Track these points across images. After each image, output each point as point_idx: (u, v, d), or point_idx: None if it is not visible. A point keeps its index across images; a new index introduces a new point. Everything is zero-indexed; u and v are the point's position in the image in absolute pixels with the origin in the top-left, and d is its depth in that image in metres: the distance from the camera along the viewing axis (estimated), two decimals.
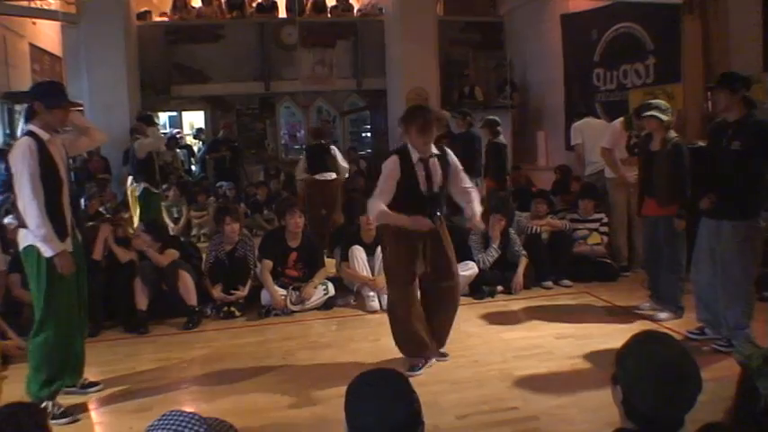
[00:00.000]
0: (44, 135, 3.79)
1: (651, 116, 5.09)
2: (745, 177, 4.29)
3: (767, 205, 4.52)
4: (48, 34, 12.59)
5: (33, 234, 3.70)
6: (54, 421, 3.60)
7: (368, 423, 1.58)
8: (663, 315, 5.24)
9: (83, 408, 3.96)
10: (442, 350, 4.49)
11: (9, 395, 3.08)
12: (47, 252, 3.71)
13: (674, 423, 1.64)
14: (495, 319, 5.51)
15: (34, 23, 12.00)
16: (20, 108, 10.82)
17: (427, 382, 3.97)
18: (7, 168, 3.86)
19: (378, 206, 4.12)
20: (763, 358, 1.70)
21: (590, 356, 4.45)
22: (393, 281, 4.35)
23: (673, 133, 5.07)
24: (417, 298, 4.37)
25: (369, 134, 14.08)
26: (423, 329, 4.31)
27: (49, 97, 3.90)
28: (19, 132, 10.93)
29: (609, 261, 6.72)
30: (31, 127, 3.82)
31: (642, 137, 5.57)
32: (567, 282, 6.43)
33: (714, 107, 4.78)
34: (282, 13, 12.73)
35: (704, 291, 4.66)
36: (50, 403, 3.76)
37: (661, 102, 5.25)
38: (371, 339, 5.06)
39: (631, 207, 6.34)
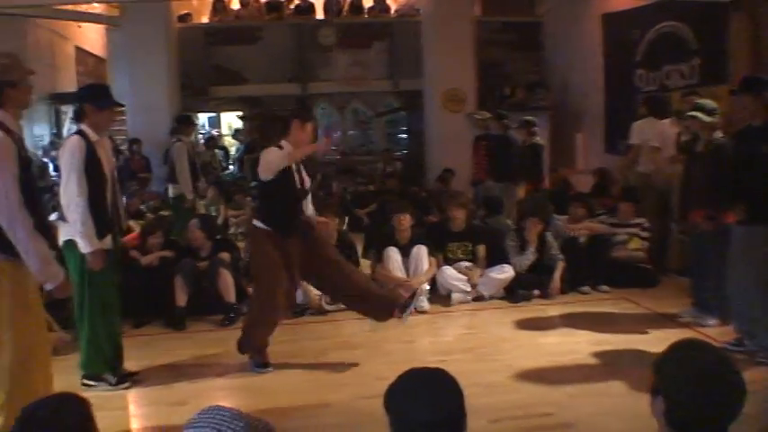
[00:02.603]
0: (93, 136, 3.96)
1: (693, 117, 4.99)
2: None
3: None
4: (92, 37, 12.88)
5: (74, 229, 3.86)
6: (112, 388, 4.13)
7: (420, 418, 1.60)
8: (711, 322, 5.11)
9: (122, 399, 4.08)
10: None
11: (55, 386, 3.20)
12: (84, 248, 3.88)
13: None
14: (531, 323, 5.45)
15: (79, 27, 12.29)
16: (66, 109, 11.11)
17: (460, 384, 3.93)
18: (56, 166, 4.05)
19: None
20: None
21: (627, 364, 4.37)
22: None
23: (718, 134, 4.95)
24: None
25: (404, 135, 14.06)
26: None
27: (97, 99, 4.10)
28: (66, 132, 11.25)
29: (649, 267, 6.58)
30: (82, 126, 3.99)
31: (689, 138, 5.46)
32: (605, 287, 6.32)
33: (737, 112, 4.64)
34: (320, 15, 12.80)
35: (740, 300, 4.52)
36: (108, 376, 4.17)
37: (707, 102, 5.11)
38: (405, 341, 5.05)
39: (671, 211, 6.22)
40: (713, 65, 7.93)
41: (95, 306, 4.03)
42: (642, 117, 7.49)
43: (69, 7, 10.88)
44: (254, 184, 4.52)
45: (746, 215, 4.30)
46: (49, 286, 3.22)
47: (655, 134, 6.75)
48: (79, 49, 12.34)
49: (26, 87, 3.25)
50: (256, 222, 4.43)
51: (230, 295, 5.75)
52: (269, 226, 4.33)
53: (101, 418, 1.75)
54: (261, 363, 4.48)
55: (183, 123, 8.04)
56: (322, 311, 5.83)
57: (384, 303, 4.59)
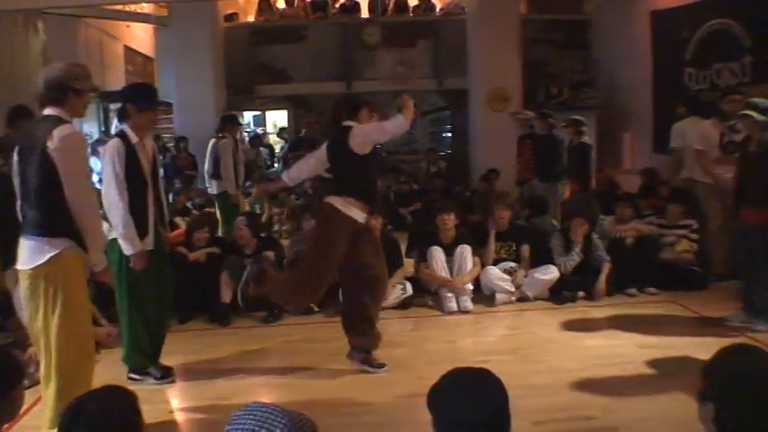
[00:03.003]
0: (134, 138, 4.01)
1: (745, 115, 4.87)
2: None
3: None
4: (141, 36, 13.14)
5: (116, 232, 3.95)
6: (157, 382, 4.25)
7: (465, 417, 1.60)
8: (760, 326, 4.97)
9: (166, 393, 4.17)
10: None
11: (99, 379, 3.27)
12: (127, 250, 3.96)
13: None
14: (576, 325, 5.37)
15: (128, 27, 12.55)
16: (114, 107, 11.36)
17: (504, 384, 3.91)
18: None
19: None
20: None
21: (674, 368, 4.28)
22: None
23: None
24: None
25: (449, 134, 14.01)
26: None
27: (140, 99, 4.14)
28: (113, 130, 11.50)
29: (698, 269, 6.43)
30: (124, 127, 4.06)
31: (742, 138, 5.33)
32: (652, 289, 6.20)
33: None
34: (365, 14, 12.83)
35: None
36: (153, 370, 4.29)
37: (762, 100, 4.97)
38: (447, 340, 5.04)
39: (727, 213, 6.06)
40: (765, 63, 7.72)
41: (133, 302, 4.12)
42: (682, 118, 7.31)
43: (119, 7, 11.12)
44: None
45: None
46: (97, 268, 3.44)
47: (697, 136, 6.57)
48: (128, 49, 12.60)
49: (87, 99, 3.43)
50: (334, 201, 4.25)
51: None
52: (360, 200, 4.26)
53: (144, 411, 1.79)
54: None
55: (229, 122, 8.16)
56: None
57: (361, 340, 4.48)
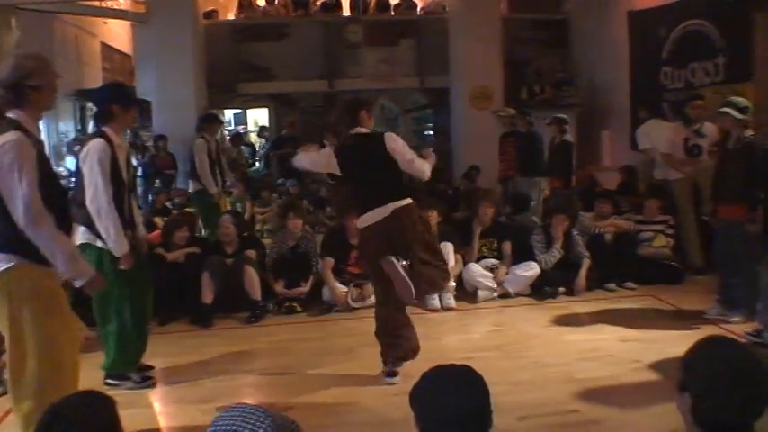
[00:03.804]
0: (115, 138, 3.96)
1: (725, 113, 4.96)
2: None
3: None
4: (118, 33, 13.00)
5: (107, 234, 3.87)
6: (136, 387, 4.19)
7: (447, 414, 1.61)
8: (736, 318, 5.08)
9: (148, 397, 4.15)
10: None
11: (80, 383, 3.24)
12: (118, 252, 3.91)
13: (744, 430, 1.61)
14: (557, 320, 5.44)
15: (105, 23, 12.42)
16: (91, 105, 11.23)
17: (487, 381, 3.95)
18: (77, 165, 4.05)
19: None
20: None
21: (654, 361, 4.36)
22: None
23: (749, 132, 4.91)
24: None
25: (431, 132, 14.04)
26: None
27: (124, 98, 4.11)
28: (90, 129, 11.36)
29: (675, 264, 6.54)
30: (105, 129, 3.99)
31: (721, 136, 5.44)
32: (630, 284, 6.30)
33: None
34: (346, 12, 12.83)
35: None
36: (132, 374, 4.22)
37: (740, 99, 5.08)
38: (432, 338, 5.06)
39: (702, 209, 6.17)
40: (737, 63, 7.86)
41: (119, 306, 4.07)
42: (645, 121, 7.57)
43: (95, 3, 11.01)
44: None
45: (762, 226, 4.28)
46: (78, 283, 3.13)
47: (661, 139, 6.75)
48: (105, 46, 12.46)
49: (50, 90, 3.12)
50: (408, 201, 4.21)
51: (256, 293, 5.80)
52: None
53: (127, 416, 1.77)
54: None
55: (208, 121, 8.08)
56: (348, 309, 5.87)
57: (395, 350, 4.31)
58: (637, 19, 10.03)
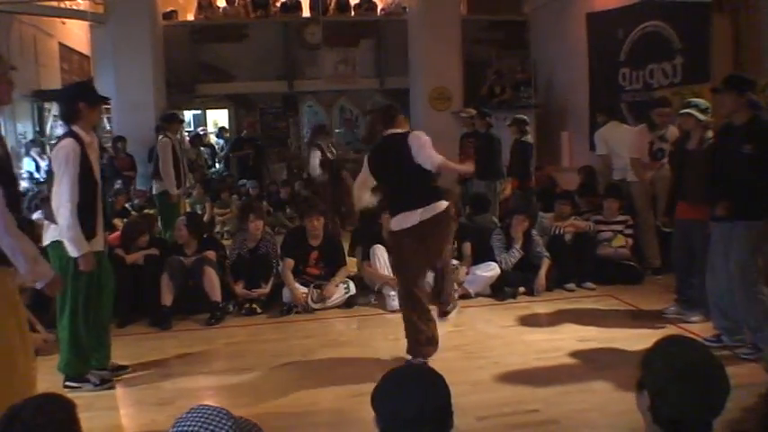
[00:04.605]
0: (85, 137, 3.94)
1: (688, 114, 5.02)
2: (758, 179, 4.22)
3: None
4: (76, 34, 12.78)
5: (62, 233, 3.84)
6: (96, 389, 4.12)
7: (408, 414, 1.61)
8: (694, 318, 5.16)
9: (108, 399, 4.06)
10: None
11: (40, 387, 3.16)
12: (73, 252, 3.86)
13: (703, 429, 1.62)
14: (517, 320, 5.47)
15: (63, 23, 12.19)
16: (49, 106, 11.00)
17: (447, 381, 3.95)
18: (49, 165, 4.00)
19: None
20: None
21: (613, 360, 4.40)
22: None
23: (710, 134, 4.98)
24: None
25: None
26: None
27: (90, 95, 4.09)
28: (48, 129, 11.14)
29: (633, 264, 6.64)
30: (74, 128, 3.96)
31: (679, 136, 5.52)
32: (590, 284, 6.36)
33: (718, 110, 4.72)
34: (306, 13, 12.78)
35: (721, 297, 4.56)
36: (91, 376, 4.15)
37: (701, 100, 5.15)
38: (392, 338, 5.06)
39: (658, 210, 6.28)
40: (695, 64, 8.02)
41: (77, 306, 4.01)
42: (603, 124, 7.71)
43: (53, 4, 10.80)
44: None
45: (729, 213, 4.34)
46: (39, 285, 3.12)
47: (625, 142, 6.91)
48: (63, 46, 12.24)
49: (5, 84, 3.07)
50: (438, 205, 4.23)
51: (216, 294, 5.72)
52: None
53: (87, 419, 1.74)
54: None
55: (169, 121, 7.96)
56: (308, 310, 5.83)
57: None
58: (595, 20, 10.17)
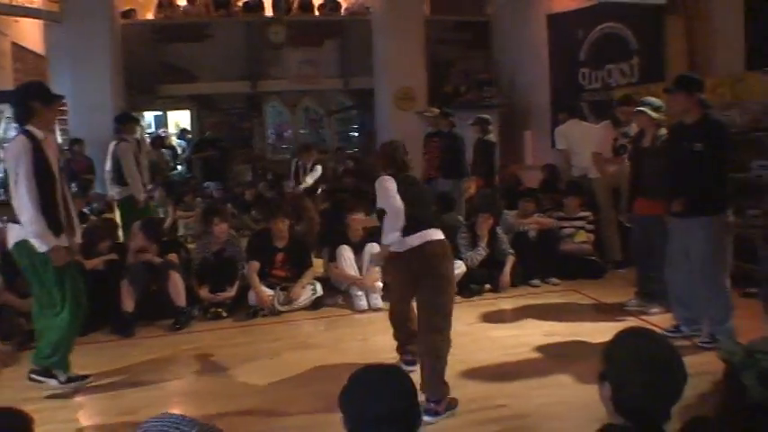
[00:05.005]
0: (39, 134, 3.92)
1: (641, 112, 5.13)
2: (710, 176, 4.35)
3: (733, 200, 4.62)
4: (31, 32, 12.46)
5: (26, 229, 3.83)
6: (63, 386, 4.08)
7: (376, 414, 1.61)
8: (654, 310, 5.28)
9: (69, 411, 3.96)
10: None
11: None
12: (41, 247, 3.85)
13: (662, 416, 1.67)
14: (484, 317, 5.52)
15: (17, 21, 11.88)
16: (2, 108, 10.71)
17: (415, 380, 3.96)
18: (4, 167, 3.95)
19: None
20: (745, 353, 1.73)
21: (578, 354, 4.47)
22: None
23: (663, 131, 5.10)
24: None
25: (356, 133, 14.06)
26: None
27: (44, 94, 4.05)
28: (2, 131, 10.84)
29: (596, 258, 6.75)
30: (28, 127, 3.93)
31: (635, 134, 5.62)
32: (554, 280, 6.46)
33: (671, 109, 4.83)
34: (269, 12, 12.69)
35: (681, 289, 4.70)
36: (60, 372, 4.10)
37: (655, 99, 5.25)
38: (360, 339, 5.07)
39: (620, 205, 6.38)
40: (651, 64, 8.20)
41: (69, 294, 4.01)
42: (564, 122, 7.86)
43: (5, 1, 10.52)
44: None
45: (684, 208, 4.44)
46: None
47: (586, 139, 7.01)
48: (16, 46, 11.91)
49: None
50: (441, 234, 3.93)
51: (181, 299, 5.64)
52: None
53: (48, 431, 1.70)
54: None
55: (123, 122, 7.72)
56: (275, 312, 5.80)
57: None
58: (556, 21, 10.32)
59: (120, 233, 7.21)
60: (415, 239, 3.80)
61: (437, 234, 3.86)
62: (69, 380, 4.16)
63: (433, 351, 3.69)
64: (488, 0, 12.81)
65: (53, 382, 4.10)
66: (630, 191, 5.42)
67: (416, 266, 3.82)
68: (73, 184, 9.30)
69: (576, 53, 9.74)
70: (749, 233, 5.64)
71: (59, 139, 10.28)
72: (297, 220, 7.67)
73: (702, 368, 2.93)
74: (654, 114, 5.07)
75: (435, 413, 3.55)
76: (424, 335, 3.80)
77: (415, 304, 4.06)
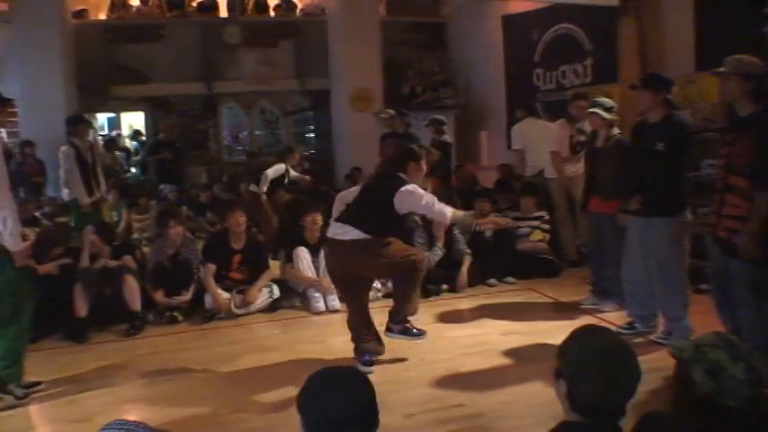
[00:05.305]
0: None
1: (594, 113, 5.22)
2: (670, 176, 4.42)
3: (692, 200, 4.70)
4: None
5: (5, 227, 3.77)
6: (19, 402, 3.97)
7: (334, 415, 1.61)
8: (608, 307, 5.38)
9: (22, 419, 3.86)
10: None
11: None
12: (13, 246, 3.82)
13: (617, 412, 1.69)
14: (441, 317, 5.55)
15: None
16: None
17: (374, 381, 3.96)
18: None
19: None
20: (694, 348, 1.78)
21: (535, 352, 4.53)
22: None
23: (616, 130, 5.19)
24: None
25: (313, 135, 14.02)
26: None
27: None
28: None
29: (551, 257, 6.85)
30: None
31: (588, 134, 5.71)
32: (510, 279, 6.54)
33: (636, 107, 4.92)
34: (224, 13, 12.57)
35: (637, 287, 4.76)
36: (13, 385, 3.99)
37: (606, 99, 5.35)
38: (317, 341, 5.05)
39: (576, 204, 6.49)
40: (604, 65, 8.36)
41: (20, 306, 3.98)
42: (520, 120, 7.98)
43: None
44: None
45: (643, 207, 4.53)
46: None
47: (542, 137, 7.15)
48: None
49: None
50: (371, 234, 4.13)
51: (136, 303, 5.53)
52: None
53: None
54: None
55: (74, 123, 7.55)
56: (232, 315, 5.74)
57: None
58: (511, 23, 10.46)
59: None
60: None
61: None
62: (26, 395, 4.06)
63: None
64: (444, 1, 12.90)
65: (9, 397, 4.00)
66: (585, 189, 5.51)
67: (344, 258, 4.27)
68: (22, 188, 9.09)
69: (531, 54, 9.88)
70: (701, 231, 5.78)
71: (6, 140, 10.06)
72: (254, 222, 7.60)
73: (656, 364, 2.99)
74: (606, 115, 5.16)
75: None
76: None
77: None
